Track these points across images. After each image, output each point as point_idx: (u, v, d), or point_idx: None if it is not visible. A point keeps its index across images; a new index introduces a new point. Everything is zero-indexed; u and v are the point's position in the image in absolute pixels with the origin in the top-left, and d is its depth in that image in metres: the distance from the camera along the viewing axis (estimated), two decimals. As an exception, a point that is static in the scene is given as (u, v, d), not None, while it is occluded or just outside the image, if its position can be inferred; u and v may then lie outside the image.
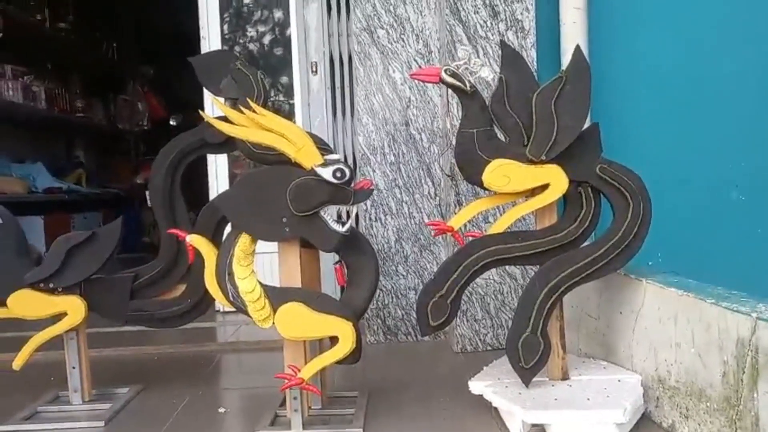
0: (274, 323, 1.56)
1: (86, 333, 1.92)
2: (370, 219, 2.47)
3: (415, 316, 2.44)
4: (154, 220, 5.71)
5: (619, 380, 1.66)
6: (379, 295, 2.46)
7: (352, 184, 1.54)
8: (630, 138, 2.34)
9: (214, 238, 1.79)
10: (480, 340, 2.32)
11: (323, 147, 1.65)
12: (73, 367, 1.89)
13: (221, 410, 1.85)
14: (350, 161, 2.78)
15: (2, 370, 2.04)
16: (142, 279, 1.92)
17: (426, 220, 2.47)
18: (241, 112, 1.56)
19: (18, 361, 1.83)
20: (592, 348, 1.93)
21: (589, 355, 1.93)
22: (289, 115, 2.96)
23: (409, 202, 2.48)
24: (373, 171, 2.47)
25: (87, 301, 1.85)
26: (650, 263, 2.18)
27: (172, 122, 6.79)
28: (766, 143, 2.50)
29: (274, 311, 1.56)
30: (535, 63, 2.20)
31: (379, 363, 2.25)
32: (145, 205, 5.47)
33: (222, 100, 1.68)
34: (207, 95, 2.87)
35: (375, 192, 2.47)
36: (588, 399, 1.54)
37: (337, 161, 1.53)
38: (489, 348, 2.32)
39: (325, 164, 1.52)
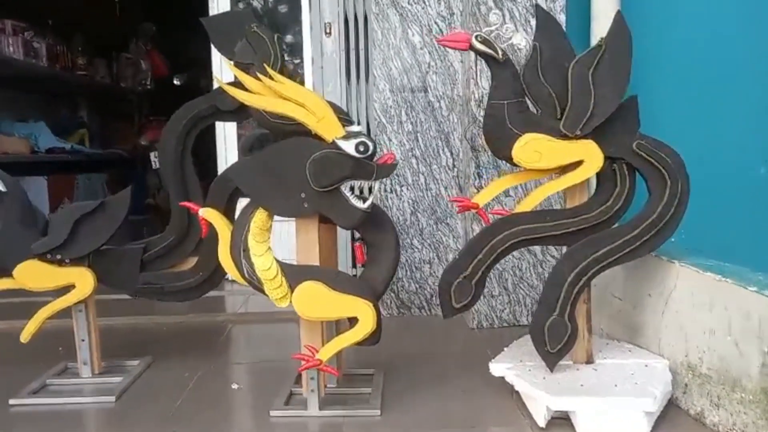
0: (291, 302, 1.49)
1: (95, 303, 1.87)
2: (385, 191, 2.39)
3: (429, 290, 2.41)
4: (159, 182, 5.61)
5: (646, 365, 1.60)
6: (393, 268, 2.40)
7: (375, 158, 1.46)
8: (660, 110, 2.24)
9: (227, 211, 1.71)
10: (496, 316, 2.27)
11: (344, 118, 1.56)
12: (83, 340, 1.85)
13: (234, 386, 1.81)
14: (364, 129, 2.67)
15: (10, 338, 1.99)
16: (153, 251, 1.85)
17: (443, 193, 2.39)
18: (258, 78, 1.46)
19: (25, 334, 1.79)
20: (615, 329, 1.87)
21: (611, 336, 1.88)
22: (296, 77, 2.86)
23: (426, 173, 2.39)
24: (389, 140, 2.38)
25: (96, 272, 1.79)
26: (673, 239, 2.11)
27: (176, 81, 6.64)
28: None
29: (292, 290, 1.49)
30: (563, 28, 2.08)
31: (393, 338, 2.17)
32: (149, 166, 5.38)
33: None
34: (215, 54, 2.76)
35: (391, 162, 2.38)
36: (615, 385, 1.49)
37: (359, 134, 1.44)
38: (505, 324, 2.27)
39: (347, 136, 1.43)
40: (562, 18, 2.10)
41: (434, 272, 2.41)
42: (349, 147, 1.41)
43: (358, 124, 2.67)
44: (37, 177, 5.09)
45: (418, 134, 2.38)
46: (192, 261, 1.89)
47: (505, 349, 1.76)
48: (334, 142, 1.42)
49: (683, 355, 1.57)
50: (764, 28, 2.29)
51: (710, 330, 1.46)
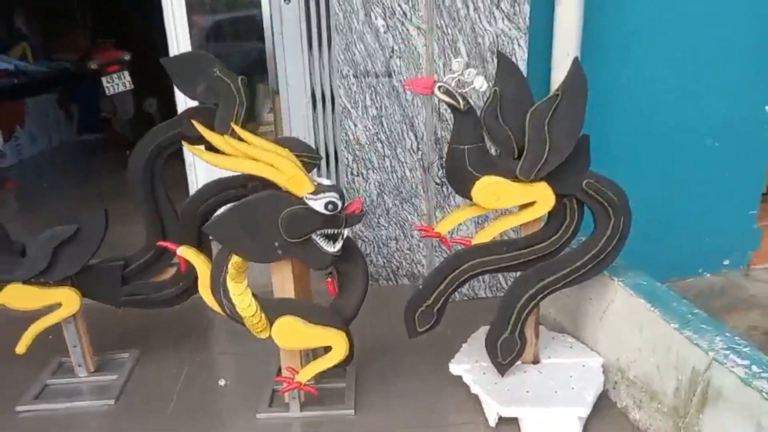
0: (270, 335, 1.65)
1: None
2: (352, 174, 2.47)
3: (395, 263, 2.58)
4: (114, 107, 5.40)
5: (583, 365, 1.85)
6: (361, 245, 2.55)
7: (343, 208, 1.55)
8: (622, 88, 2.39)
9: (200, 237, 1.81)
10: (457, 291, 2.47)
11: (311, 156, 1.62)
12: (75, 346, 1.99)
13: (221, 383, 2.00)
14: (327, 96, 2.66)
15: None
16: (132, 266, 1.94)
17: (408, 174, 2.48)
18: (222, 121, 1.49)
19: (21, 347, 1.92)
20: (563, 319, 2.10)
21: (559, 323, 2.11)
22: (259, 33, 2.76)
23: (391, 156, 2.46)
24: (355, 125, 2.41)
25: (80, 289, 1.89)
26: None
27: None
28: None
29: (270, 323, 1.64)
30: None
31: (363, 309, 2.36)
32: (101, 90, 5.15)
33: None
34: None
35: (357, 147, 2.44)
36: (555, 392, 1.73)
37: (329, 188, 1.51)
38: (465, 298, 2.49)
39: (316, 191, 1.51)
40: (523, 66, 2.14)
41: (400, 248, 2.57)
42: (318, 206, 1.49)
43: (322, 94, 2.67)
44: (-17, 108, 4.89)
45: (383, 118, 2.41)
46: (171, 271, 1.99)
47: (464, 345, 1.98)
48: (303, 200, 1.50)
49: (615, 358, 1.81)
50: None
51: (638, 348, 1.70)
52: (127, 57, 5.03)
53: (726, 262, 2.87)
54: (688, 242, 2.77)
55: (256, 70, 2.95)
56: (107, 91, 5.05)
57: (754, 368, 1.35)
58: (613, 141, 2.53)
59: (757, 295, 2.72)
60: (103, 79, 5.03)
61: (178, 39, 2.81)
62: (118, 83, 5.02)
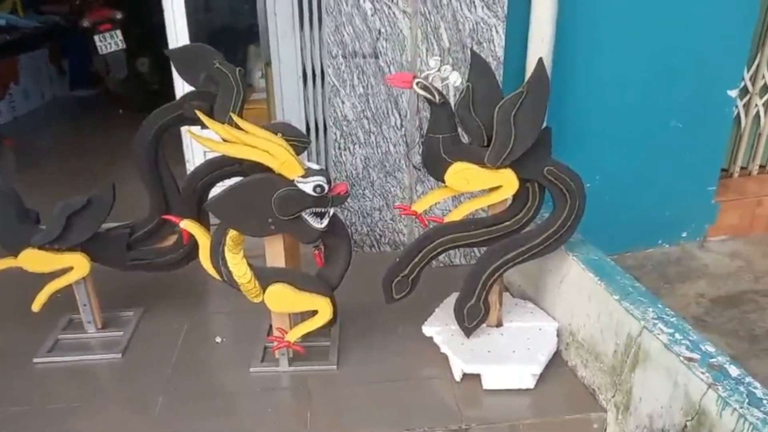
0: (263, 299, 1.86)
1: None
2: (340, 148, 2.64)
3: (378, 232, 2.79)
4: (106, 65, 5.45)
5: (540, 329, 2.09)
6: (347, 215, 2.75)
7: (329, 190, 1.73)
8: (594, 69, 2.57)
9: (199, 209, 2.00)
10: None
11: (301, 139, 1.80)
12: (84, 305, 2.19)
13: (218, 340, 2.23)
14: (318, 73, 2.80)
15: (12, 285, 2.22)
16: (138, 233, 2.14)
17: (392, 150, 2.66)
18: (221, 109, 1.66)
19: (36, 306, 2.12)
20: (527, 286, 2.34)
21: (524, 290, 2.35)
22: (251, 15, 2.88)
23: (376, 132, 2.63)
24: (343, 103, 2.57)
25: (89, 254, 2.08)
26: (588, 185, 2.51)
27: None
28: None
29: (263, 290, 1.85)
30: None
31: (348, 273, 2.58)
32: (93, 49, 5.19)
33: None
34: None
35: (344, 123, 2.61)
36: (513, 352, 1.98)
37: (317, 173, 1.70)
38: (441, 265, 2.71)
39: (305, 175, 1.69)
40: (500, 71, 2.30)
41: (383, 217, 2.77)
42: (307, 188, 1.68)
43: (313, 72, 2.81)
44: (-22, 66, 4.93)
45: (369, 97, 2.57)
46: (173, 238, 2.19)
47: (436, 310, 2.21)
48: (294, 182, 1.69)
49: (568, 322, 2.05)
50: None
51: (586, 314, 1.93)
52: (119, 16, 5.07)
53: (684, 234, 3.12)
54: (649, 216, 3.00)
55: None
56: (100, 51, 5.10)
57: (677, 336, 1.59)
58: (584, 120, 2.72)
59: (710, 265, 2.97)
60: (96, 38, 5.08)
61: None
62: (110, 42, 5.08)
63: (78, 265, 2.06)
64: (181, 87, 2.62)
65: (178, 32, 2.80)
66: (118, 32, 5.04)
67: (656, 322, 1.65)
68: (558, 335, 2.07)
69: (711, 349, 1.53)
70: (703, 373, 1.45)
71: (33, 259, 2.03)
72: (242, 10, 4.43)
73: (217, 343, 2.22)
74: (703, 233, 3.13)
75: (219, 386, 2.01)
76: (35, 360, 2.11)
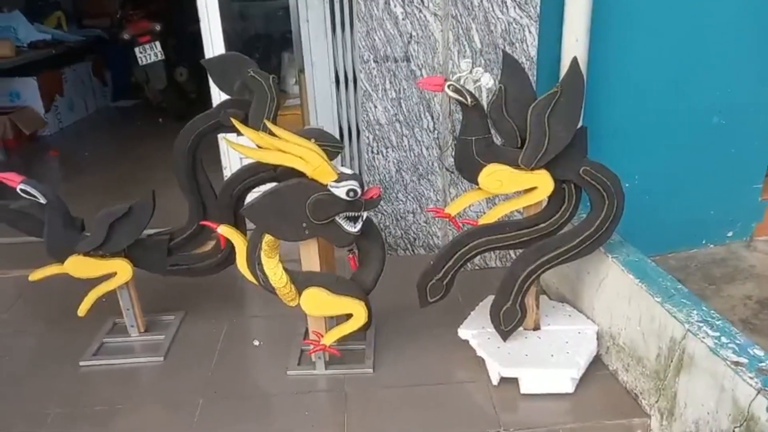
0: (299, 303, 1.88)
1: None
2: (372, 152, 2.65)
3: (412, 235, 2.79)
4: (146, 76, 5.61)
5: (579, 332, 2.05)
6: (381, 218, 2.75)
7: (362, 194, 1.74)
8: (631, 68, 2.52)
9: (235, 214, 2.03)
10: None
11: (334, 144, 1.82)
12: (128, 309, 2.25)
13: (256, 343, 2.26)
14: (350, 78, 2.82)
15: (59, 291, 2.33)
16: (177, 239, 2.19)
17: (425, 152, 2.65)
18: (255, 116, 1.69)
19: (82, 311, 2.19)
20: (564, 288, 2.30)
21: (562, 293, 2.31)
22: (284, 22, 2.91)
23: (409, 135, 2.63)
24: (375, 107, 2.58)
25: (131, 260, 2.14)
26: (627, 185, 2.46)
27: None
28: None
29: (299, 293, 1.87)
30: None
31: (383, 276, 2.57)
32: (134, 59, 5.34)
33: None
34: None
35: (377, 126, 2.62)
36: (552, 355, 1.94)
37: (350, 178, 1.70)
38: (477, 268, 2.69)
39: (339, 179, 1.70)
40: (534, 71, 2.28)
41: (416, 221, 2.77)
42: (341, 192, 1.69)
43: (345, 73, 2.83)
44: (27, 78, 5.14)
45: (401, 101, 2.57)
46: (211, 243, 2.23)
47: (472, 313, 2.19)
48: (327, 187, 1.70)
49: (608, 326, 2.01)
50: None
51: (627, 317, 1.89)
52: (158, 28, 5.21)
53: (730, 234, 3.01)
54: (693, 215, 2.91)
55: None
56: (140, 62, 5.25)
57: (723, 339, 1.54)
58: (621, 119, 2.66)
59: (757, 266, 2.86)
60: (136, 50, 5.23)
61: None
62: (150, 53, 5.22)
63: (121, 270, 2.13)
64: (218, 95, 2.69)
65: (214, 41, 2.88)
66: (157, 44, 5.18)
67: (701, 325, 1.60)
68: (597, 338, 2.02)
69: (760, 352, 1.48)
70: (751, 377, 1.40)
71: (78, 266, 2.10)
72: (276, 18, 4.50)
73: (255, 346, 2.25)
74: (750, 232, 3.02)
75: (257, 388, 2.04)
76: (81, 363, 2.18)
